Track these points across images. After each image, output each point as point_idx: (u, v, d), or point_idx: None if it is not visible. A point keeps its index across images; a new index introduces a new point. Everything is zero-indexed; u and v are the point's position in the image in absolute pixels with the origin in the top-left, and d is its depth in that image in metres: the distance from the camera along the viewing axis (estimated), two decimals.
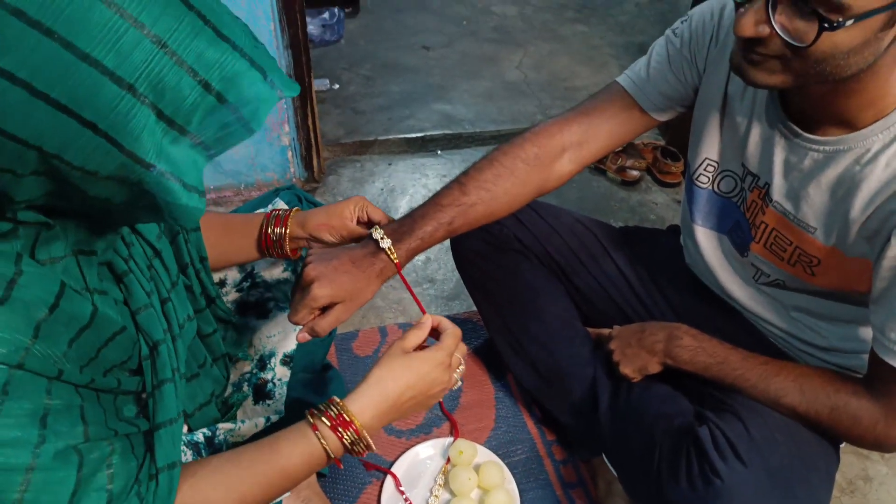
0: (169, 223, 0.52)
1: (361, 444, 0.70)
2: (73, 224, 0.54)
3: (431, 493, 1.15)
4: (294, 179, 1.88)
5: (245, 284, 0.99)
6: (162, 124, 0.45)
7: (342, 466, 0.73)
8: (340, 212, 0.87)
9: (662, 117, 0.97)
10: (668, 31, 0.95)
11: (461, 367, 0.81)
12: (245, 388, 0.94)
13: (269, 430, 0.85)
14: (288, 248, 0.88)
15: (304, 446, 0.68)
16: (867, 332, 0.87)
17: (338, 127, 2.16)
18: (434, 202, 0.89)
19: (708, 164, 0.95)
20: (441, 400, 1.30)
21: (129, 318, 0.64)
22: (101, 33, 0.40)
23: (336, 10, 2.68)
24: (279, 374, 0.95)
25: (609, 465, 1.09)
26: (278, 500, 0.72)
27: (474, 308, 1.32)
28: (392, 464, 1.19)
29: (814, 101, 0.76)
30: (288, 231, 0.87)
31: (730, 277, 0.99)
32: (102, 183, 0.46)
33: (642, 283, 1.14)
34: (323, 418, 0.70)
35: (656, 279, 1.13)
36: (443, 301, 1.59)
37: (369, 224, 0.88)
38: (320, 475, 1.09)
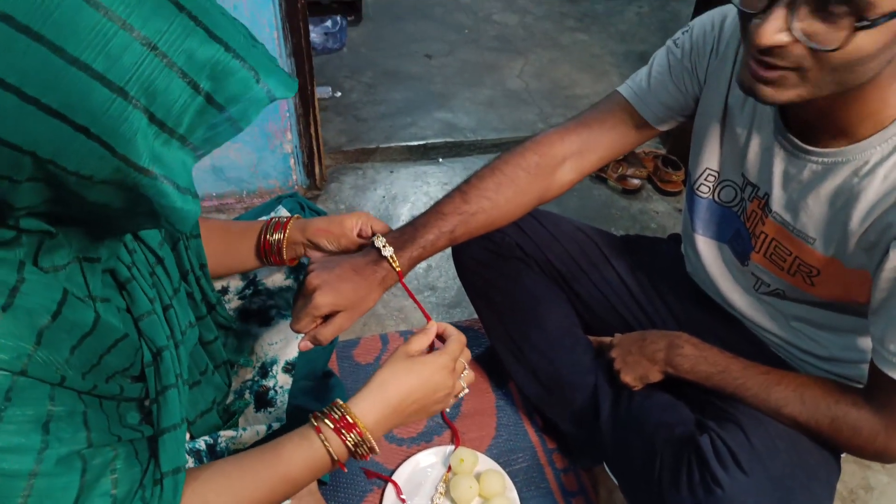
0: (166, 228, 0.52)
1: (365, 447, 0.70)
2: (77, 231, 0.54)
3: (432, 501, 1.15)
4: (296, 187, 1.89)
5: (247, 292, 0.99)
6: (154, 127, 0.45)
7: (346, 470, 0.73)
8: (342, 221, 0.88)
9: (663, 127, 0.98)
10: (668, 42, 0.95)
11: (466, 372, 0.81)
12: (247, 395, 0.94)
13: (271, 437, 0.85)
14: (286, 253, 0.88)
15: (307, 449, 0.68)
16: (867, 343, 0.87)
17: (340, 134, 2.17)
18: (436, 211, 0.90)
19: (708, 174, 0.96)
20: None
21: (131, 325, 0.64)
22: (89, 37, 0.40)
23: (338, 18, 2.69)
24: (281, 381, 0.95)
25: (610, 473, 1.09)
26: None
27: (476, 316, 1.32)
28: (393, 472, 1.19)
29: (814, 113, 0.76)
30: (287, 235, 0.88)
31: (730, 286, 1.00)
32: (99, 188, 0.46)
33: (643, 291, 1.14)
34: (326, 421, 0.70)
35: (657, 287, 1.14)
36: (444, 309, 1.60)
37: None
38: (321, 483, 1.09)
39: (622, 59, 2.84)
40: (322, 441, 0.69)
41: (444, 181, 2.04)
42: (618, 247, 1.19)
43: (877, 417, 0.78)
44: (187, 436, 0.82)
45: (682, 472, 0.85)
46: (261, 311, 0.99)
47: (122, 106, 0.42)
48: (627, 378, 1.02)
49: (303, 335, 0.82)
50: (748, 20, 0.66)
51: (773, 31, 0.62)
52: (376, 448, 0.71)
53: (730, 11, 0.89)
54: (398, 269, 0.83)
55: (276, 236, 0.88)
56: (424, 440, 1.27)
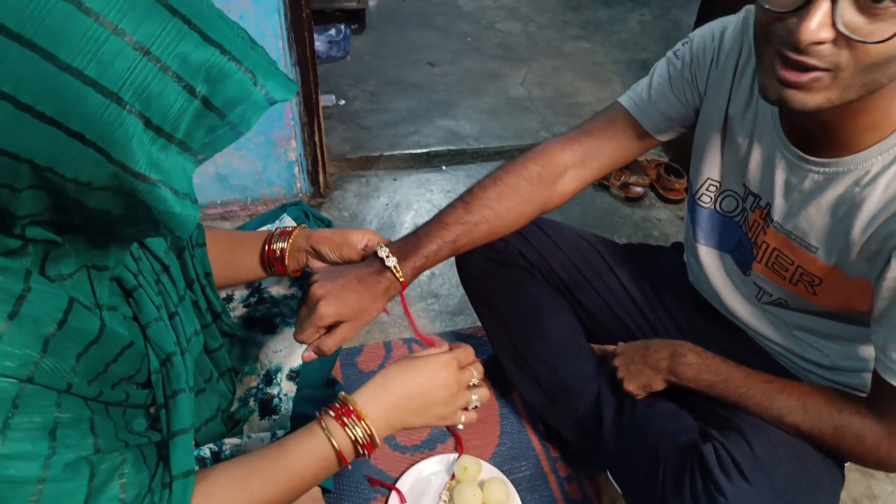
0: (165, 235, 0.52)
1: (366, 437, 0.70)
2: (83, 240, 0.55)
3: None
4: (300, 195, 1.89)
5: (252, 300, 1.00)
6: (150, 133, 0.44)
7: (350, 468, 0.73)
8: (347, 232, 0.88)
9: (664, 137, 0.98)
10: (669, 53, 0.96)
11: (475, 379, 0.81)
12: (251, 403, 0.95)
13: None
14: (289, 261, 0.89)
15: (311, 442, 0.69)
16: (870, 351, 0.87)
17: (343, 142, 2.18)
18: (438, 220, 0.90)
19: (710, 184, 0.96)
20: (455, 422, 1.31)
21: (137, 332, 0.64)
22: (81, 43, 0.40)
23: (342, 26, 2.70)
24: (285, 389, 0.95)
25: (613, 482, 1.09)
26: None
27: (479, 324, 1.33)
28: (397, 480, 1.19)
29: (816, 124, 0.76)
30: (292, 242, 0.88)
31: (732, 295, 1.00)
32: (97, 194, 0.46)
33: (646, 299, 1.14)
34: (329, 411, 0.70)
35: (660, 296, 1.14)
36: (447, 316, 1.60)
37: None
38: (325, 490, 1.09)
39: (625, 68, 2.85)
40: (324, 430, 0.69)
41: (448, 189, 2.04)
42: (620, 255, 1.19)
43: (880, 426, 0.78)
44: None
45: (685, 481, 0.85)
46: (265, 319, 1.00)
47: (116, 111, 0.42)
48: (630, 387, 1.02)
49: (306, 345, 0.82)
50: (779, 21, 0.64)
51: (819, 26, 0.60)
52: (377, 440, 0.71)
53: (730, 23, 0.89)
54: (401, 279, 0.84)
55: (281, 244, 0.88)
56: (428, 448, 1.27)
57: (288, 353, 0.97)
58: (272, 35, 1.53)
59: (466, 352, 0.81)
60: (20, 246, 0.50)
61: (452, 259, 1.17)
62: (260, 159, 1.77)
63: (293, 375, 0.96)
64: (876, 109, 0.72)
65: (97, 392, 0.57)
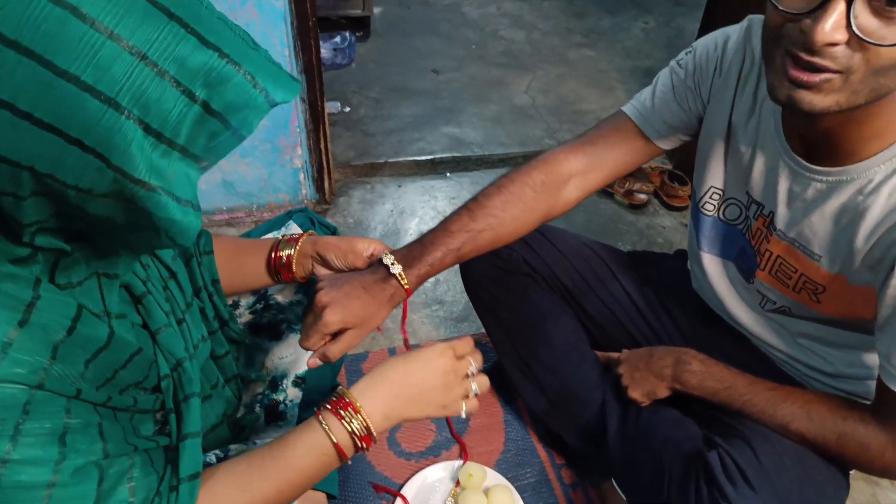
0: (167, 243, 0.51)
1: (362, 427, 0.69)
2: (93, 248, 0.55)
3: None
4: (305, 201, 1.90)
5: (258, 306, 1.00)
6: (150, 139, 0.44)
7: (350, 462, 0.73)
8: (353, 240, 0.89)
9: (667, 145, 0.99)
10: (672, 62, 0.97)
11: (473, 368, 0.80)
12: (257, 409, 0.95)
13: None
14: (296, 267, 0.89)
15: (309, 437, 0.68)
16: (874, 359, 0.87)
17: (348, 149, 2.19)
18: (443, 228, 0.91)
19: (713, 192, 0.97)
20: (456, 412, 1.31)
21: (145, 339, 0.65)
22: (77, 48, 0.40)
23: (347, 33, 2.72)
24: (291, 395, 0.96)
25: (618, 489, 1.09)
26: None
27: (483, 330, 1.33)
28: (401, 486, 1.19)
29: (820, 132, 0.77)
30: (299, 248, 0.88)
31: (736, 303, 1.00)
32: (99, 201, 0.46)
33: (650, 306, 1.15)
34: (326, 405, 0.70)
35: (664, 303, 1.14)
36: (452, 323, 1.60)
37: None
38: (331, 497, 1.10)
39: (628, 75, 2.86)
40: (321, 424, 0.68)
41: (452, 195, 2.05)
42: (624, 262, 1.19)
43: (884, 433, 0.78)
44: None
45: (690, 489, 0.85)
46: (271, 326, 1.00)
47: (113, 117, 0.42)
48: (635, 394, 1.02)
49: (312, 352, 0.83)
50: (792, 22, 0.64)
51: (834, 27, 0.60)
52: (374, 432, 0.70)
53: (732, 32, 0.90)
54: (406, 287, 0.84)
55: (287, 250, 0.89)
56: (433, 454, 1.27)
57: (294, 360, 0.97)
58: (279, 43, 1.54)
59: (464, 342, 0.80)
60: (29, 254, 0.51)
61: (457, 266, 1.17)
62: (266, 166, 1.78)
63: (299, 382, 0.96)
64: (880, 117, 0.72)
65: (105, 398, 0.57)
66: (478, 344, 1.46)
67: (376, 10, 3.12)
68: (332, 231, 1.07)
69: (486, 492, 1.16)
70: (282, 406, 0.95)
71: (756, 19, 0.88)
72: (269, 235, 1.00)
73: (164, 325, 0.66)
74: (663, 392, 1.00)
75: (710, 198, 0.97)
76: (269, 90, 0.48)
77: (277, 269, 0.89)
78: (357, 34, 2.88)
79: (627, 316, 1.15)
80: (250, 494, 0.65)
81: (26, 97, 0.40)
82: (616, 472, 1.08)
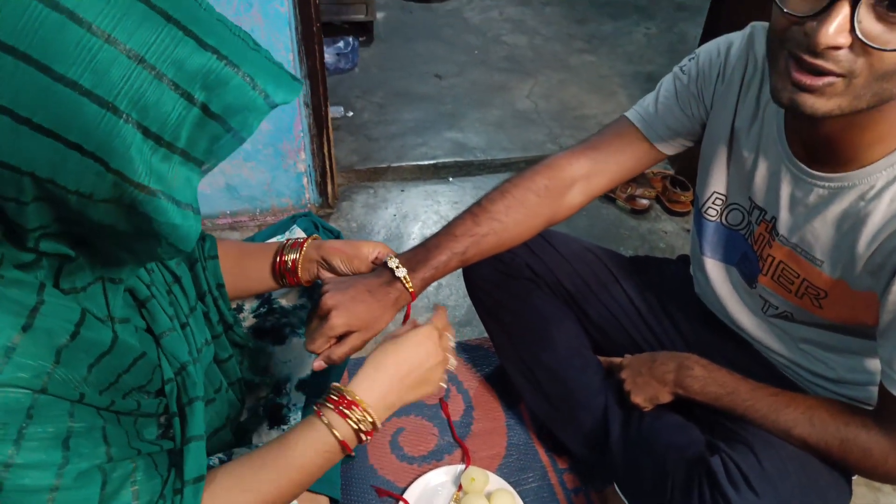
0: (168, 251, 0.50)
1: (367, 422, 0.70)
2: (98, 254, 0.55)
3: None
4: (309, 205, 1.91)
5: (262, 310, 1.01)
6: (150, 142, 0.44)
7: (354, 455, 0.74)
8: (358, 244, 0.89)
9: (670, 151, 0.99)
10: (675, 68, 0.97)
11: (453, 341, 0.83)
12: (260, 412, 0.95)
13: None
14: (301, 272, 0.89)
15: (312, 436, 0.68)
16: (876, 365, 0.87)
17: (351, 154, 2.20)
18: (447, 232, 0.91)
19: (716, 198, 0.97)
20: (450, 417, 1.30)
21: (149, 343, 0.65)
22: (74, 53, 0.40)
23: (350, 38, 2.73)
24: (294, 399, 0.96)
25: (621, 494, 1.09)
26: None
27: (486, 335, 1.33)
28: (404, 490, 1.20)
29: (822, 138, 0.77)
30: (303, 253, 0.88)
31: (738, 308, 1.00)
32: (100, 207, 0.46)
33: (652, 312, 1.15)
34: (325, 403, 0.70)
35: (666, 308, 1.14)
36: (455, 327, 1.58)
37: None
38: (333, 500, 1.10)
39: (630, 80, 2.86)
40: (325, 423, 0.68)
41: (455, 200, 2.06)
42: (627, 267, 1.20)
43: (886, 439, 0.78)
44: None
45: (693, 493, 0.85)
46: (275, 330, 1.00)
47: (112, 121, 0.42)
48: (637, 399, 1.03)
49: (316, 355, 0.83)
50: (797, 25, 0.65)
51: (837, 30, 0.61)
52: (378, 424, 0.71)
53: (735, 39, 0.91)
54: (411, 290, 0.85)
55: (292, 255, 0.89)
56: (435, 459, 1.27)
57: (297, 364, 0.98)
58: (283, 48, 1.55)
59: (440, 316, 0.82)
60: (34, 259, 0.51)
61: (459, 270, 1.18)
62: (269, 170, 1.79)
63: (302, 385, 0.97)
64: (882, 123, 0.72)
65: (109, 402, 0.57)
66: (480, 348, 1.49)
67: (379, 16, 3.13)
68: (336, 235, 1.07)
69: (489, 496, 1.16)
70: (285, 410, 0.95)
71: (759, 26, 0.88)
72: (274, 240, 1.00)
73: (168, 329, 0.66)
74: (666, 397, 1.00)
75: (713, 203, 0.98)
76: (270, 91, 0.48)
77: (282, 274, 0.89)
78: (360, 39, 2.89)
79: (630, 321, 1.15)
80: (252, 494, 0.65)
81: (25, 102, 0.40)
82: (619, 477, 1.08)
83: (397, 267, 0.84)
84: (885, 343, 0.77)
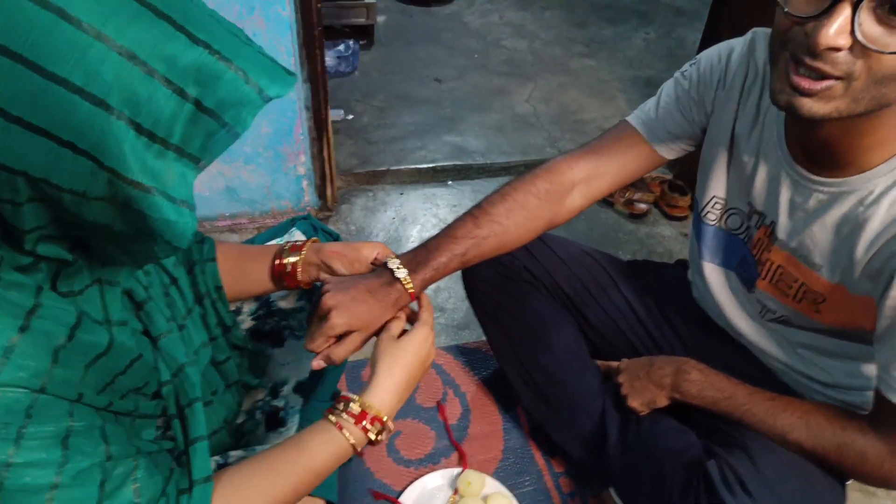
0: (163, 249, 0.50)
1: (385, 433, 0.75)
2: (96, 258, 0.55)
3: None
4: (308, 208, 1.91)
5: (261, 313, 1.01)
6: (143, 139, 0.44)
7: (364, 458, 0.78)
8: (358, 247, 0.89)
9: (670, 155, 1.00)
10: (676, 74, 0.98)
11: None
12: (258, 415, 0.95)
13: None
14: (301, 275, 0.89)
15: (331, 444, 0.71)
16: (872, 369, 0.88)
17: (351, 157, 2.20)
18: (447, 234, 0.91)
19: (716, 202, 0.97)
20: (447, 421, 1.33)
21: (146, 345, 0.65)
22: (65, 51, 0.40)
23: (351, 42, 2.73)
24: (292, 402, 0.96)
25: (617, 498, 1.09)
26: None
27: (484, 338, 1.33)
28: (400, 493, 1.19)
29: (821, 143, 0.77)
30: (303, 257, 0.89)
31: (736, 313, 1.01)
32: (94, 206, 0.45)
33: (651, 316, 1.15)
34: (345, 416, 0.73)
35: (665, 312, 1.15)
36: (453, 330, 1.61)
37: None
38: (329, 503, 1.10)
39: (629, 85, 2.87)
40: (345, 436, 0.72)
41: (454, 203, 2.06)
42: (625, 271, 1.20)
43: (882, 443, 0.79)
44: None
45: (689, 498, 0.85)
46: (274, 332, 1.00)
47: (104, 118, 0.42)
48: (635, 403, 1.03)
49: (316, 354, 0.83)
50: (799, 26, 0.65)
51: (838, 32, 0.61)
52: (393, 429, 0.77)
53: (736, 45, 0.91)
54: (411, 291, 0.85)
55: (292, 258, 0.89)
56: (432, 462, 1.27)
57: (295, 366, 0.98)
58: (284, 52, 1.56)
59: (430, 312, 0.86)
60: (32, 262, 0.51)
61: (458, 273, 1.18)
62: (269, 173, 1.79)
63: (299, 388, 0.97)
64: (881, 128, 0.73)
65: (107, 402, 0.57)
66: (478, 351, 1.49)
67: (380, 19, 3.13)
68: (335, 238, 1.07)
69: (485, 499, 1.16)
70: (282, 413, 0.95)
71: (760, 32, 0.89)
72: (273, 242, 1.00)
73: (165, 331, 0.67)
74: (663, 401, 1.01)
75: (713, 207, 0.98)
76: (263, 85, 0.47)
77: (281, 277, 0.89)
78: (360, 42, 2.89)
79: (628, 325, 1.16)
80: (264, 497, 0.66)
81: (17, 101, 0.40)
82: (616, 481, 1.09)
83: (398, 268, 0.85)
84: (881, 348, 0.77)
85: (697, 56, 0.96)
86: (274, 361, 0.98)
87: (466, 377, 1.45)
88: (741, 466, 0.84)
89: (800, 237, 0.85)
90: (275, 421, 0.94)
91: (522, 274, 1.17)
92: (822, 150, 0.79)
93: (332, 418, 0.72)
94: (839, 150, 0.77)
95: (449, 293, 1.70)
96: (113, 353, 0.57)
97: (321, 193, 1.93)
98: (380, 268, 0.87)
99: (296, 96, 1.67)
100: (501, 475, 1.25)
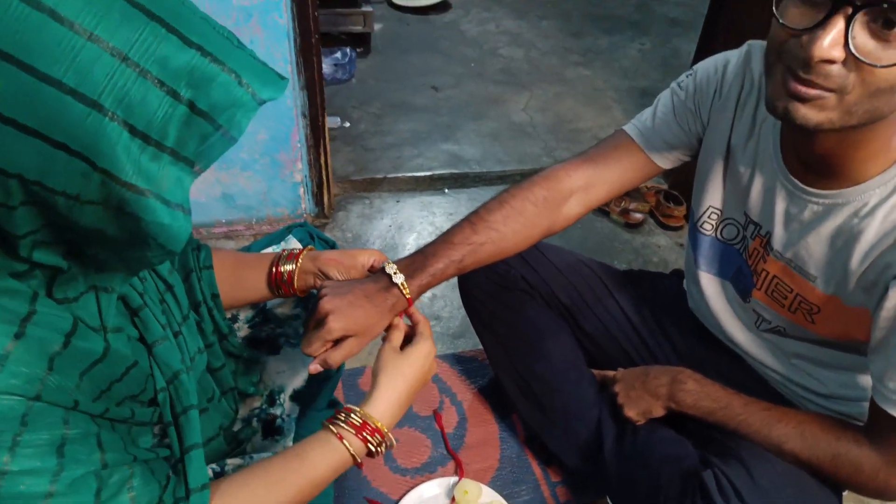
0: (158, 253, 0.49)
1: (384, 445, 0.75)
2: (91, 265, 0.55)
3: None
4: (305, 215, 1.91)
5: (257, 320, 1.01)
6: (137, 140, 0.44)
7: (363, 467, 0.78)
8: (354, 254, 0.89)
9: (667, 165, 1.00)
10: (673, 84, 0.98)
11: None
12: (254, 423, 0.95)
13: None
14: (297, 283, 0.89)
15: (331, 455, 0.72)
16: (867, 380, 0.88)
17: (348, 164, 2.20)
18: (445, 240, 0.91)
19: (712, 212, 0.98)
20: (444, 429, 1.33)
21: (141, 352, 0.65)
22: (56, 52, 0.40)
23: (348, 49, 2.74)
24: (288, 409, 0.96)
25: None
26: None
27: (480, 346, 1.33)
28: (397, 502, 1.19)
29: (817, 155, 0.78)
30: (299, 265, 0.89)
31: (732, 322, 1.01)
32: (88, 209, 0.45)
33: (646, 325, 1.15)
34: (345, 426, 0.73)
35: (660, 322, 1.15)
36: (449, 339, 1.60)
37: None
38: None
39: (625, 95, 2.89)
40: (346, 446, 0.72)
41: (450, 211, 2.06)
42: (621, 281, 1.20)
43: (878, 454, 0.79)
44: None
45: None
46: (270, 340, 1.00)
47: (97, 119, 0.42)
48: (630, 413, 1.03)
49: (312, 358, 0.83)
50: (794, 38, 0.66)
51: (831, 44, 0.62)
52: (394, 443, 0.77)
53: (732, 57, 0.92)
54: (408, 296, 0.85)
55: (288, 266, 0.89)
56: (428, 471, 1.27)
57: (291, 374, 0.97)
58: (281, 60, 1.56)
59: (428, 325, 0.87)
60: (27, 269, 0.51)
61: (454, 282, 1.18)
62: (266, 180, 1.79)
63: (296, 396, 0.97)
64: (875, 141, 0.73)
65: (103, 409, 0.57)
66: (474, 360, 1.49)
67: (377, 27, 3.15)
68: (331, 245, 1.07)
69: None
70: (279, 421, 0.95)
71: (756, 45, 0.90)
72: (269, 250, 1.01)
73: (160, 337, 0.66)
74: (659, 411, 1.01)
75: (709, 217, 0.99)
76: (256, 88, 0.47)
77: (278, 285, 0.90)
78: (358, 50, 2.90)
79: (624, 334, 1.16)
80: None
81: (10, 103, 0.40)
82: (612, 490, 1.09)
83: (395, 273, 0.85)
84: (876, 359, 0.77)
85: (693, 67, 0.97)
86: (270, 369, 0.98)
87: (463, 386, 1.45)
88: (737, 476, 0.84)
89: (795, 248, 0.85)
90: (271, 429, 0.94)
91: (518, 283, 1.17)
92: (817, 161, 0.79)
93: (333, 429, 0.73)
94: (834, 161, 0.77)
95: (445, 302, 1.70)
96: (108, 360, 0.57)
97: (318, 200, 1.93)
98: (377, 273, 0.87)
99: (293, 103, 1.67)
100: (498, 484, 1.25)
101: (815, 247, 0.83)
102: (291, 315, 1.01)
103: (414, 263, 0.88)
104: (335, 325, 0.80)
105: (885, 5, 0.59)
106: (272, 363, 0.98)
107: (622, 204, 2.06)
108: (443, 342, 1.59)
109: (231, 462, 0.85)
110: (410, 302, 0.86)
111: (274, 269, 0.89)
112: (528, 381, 1.18)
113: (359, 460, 0.73)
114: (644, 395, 1.02)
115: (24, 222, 0.47)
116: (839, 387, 0.92)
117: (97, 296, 0.58)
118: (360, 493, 1.21)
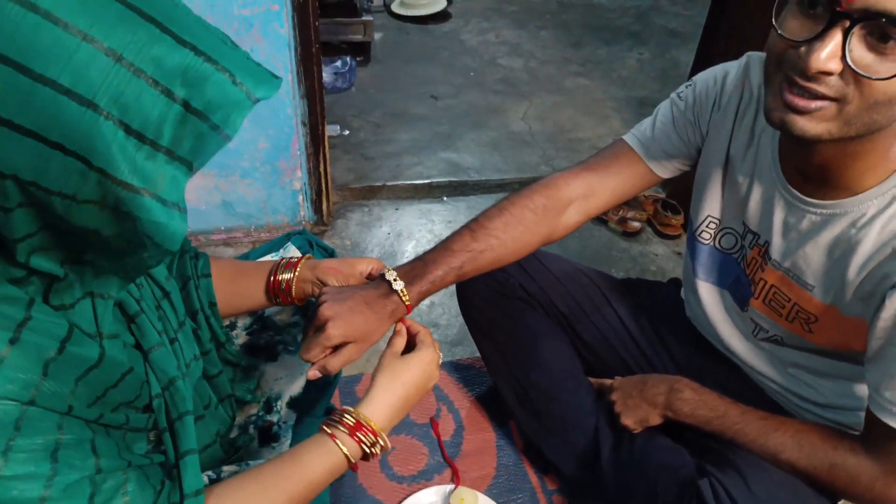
0: (154, 253, 0.50)
1: (378, 447, 0.74)
2: (88, 271, 0.55)
3: None
4: (304, 223, 1.91)
5: (255, 327, 1.01)
6: (132, 140, 0.44)
7: (358, 470, 0.77)
8: (353, 262, 0.90)
9: (666, 174, 1.01)
10: (672, 95, 0.99)
11: (441, 356, 0.88)
12: (251, 430, 0.95)
13: None
14: (295, 291, 0.89)
15: (325, 456, 0.71)
16: (864, 390, 0.88)
17: (347, 172, 2.21)
18: (445, 247, 0.92)
19: (710, 221, 0.98)
20: (440, 437, 1.33)
21: (137, 359, 0.65)
22: (51, 53, 0.40)
23: (348, 58, 2.76)
24: (285, 416, 0.95)
25: None
26: None
27: (477, 354, 1.33)
28: None
29: (815, 166, 0.78)
30: (297, 274, 0.89)
31: (730, 332, 1.01)
32: (84, 209, 0.46)
33: (644, 334, 1.15)
34: (340, 427, 0.72)
35: (658, 331, 1.15)
36: (447, 346, 1.60)
37: None
38: None
39: (623, 104, 2.90)
40: (339, 446, 0.71)
41: (449, 219, 2.07)
42: (619, 289, 1.20)
43: (874, 464, 0.79)
44: None
45: None
46: (268, 347, 1.00)
47: (93, 119, 0.42)
48: (628, 421, 1.03)
49: (311, 364, 0.83)
50: (793, 49, 0.66)
51: (829, 56, 0.63)
52: (389, 446, 0.75)
53: (731, 68, 0.93)
54: (408, 303, 0.85)
55: (286, 275, 0.89)
56: (425, 478, 1.26)
57: (289, 381, 0.97)
58: (282, 68, 1.57)
59: (429, 333, 0.86)
60: (24, 275, 0.51)
61: (452, 289, 1.18)
62: (265, 188, 1.80)
63: (293, 403, 0.96)
64: (874, 152, 0.74)
65: (98, 415, 0.57)
66: (472, 368, 1.49)
67: (377, 36, 3.16)
68: (330, 253, 1.07)
69: None
70: (275, 428, 0.94)
71: (754, 56, 0.90)
72: (268, 257, 1.01)
73: (156, 343, 0.66)
74: (656, 420, 1.01)
75: (707, 227, 0.99)
76: (250, 87, 0.48)
77: (276, 293, 0.90)
78: (358, 59, 2.92)
79: (621, 343, 1.16)
80: None
81: (5, 104, 0.40)
82: (609, 499, 1.08)
83: (395, 280, 0.85)
84: (872, 369, 0.77)
85: (693, 78, 0.97)
86: (267, 376, 0.98)
87: (460, 393, 1.45)
88: (733, 485, 0.84)
89: (793, 258, 0.86)
90: (268, 436, 0.94)
91: (517, 291, 1.18)
92: (815, 172, 0.80)
93: (328, 430, 0.72)
94: (832, 172, 0.78)
95: (443, 309, 1.70)
96: (104, 367, 0.57)
97: (317, 208, 1.93)
98: (377, 279, 0.87)
99: (293, 112, 1.68)
100: (494, 492, 1.25)
101: (813, 256, 0.83)
102: (290, 322, 1.01)
103: (413, 270, 0.88)
104: (335, 332, 0.80)
105: (883, 20, 0.60)
106: (270, 370, 0.98)
107: (620, 212, 2.06)
108: (441, 349, 1.59)
109: (227, 469, 0.84)
110: (410, 309, 0.86)
111: (272, 278, 0.89)
112: (526, 389, 1.18)
113: (353, 461, 0.72)
114: (641, 404, 1.02)
115: (21, 225, 0.47)
116: (836, 396, 0.92)
117: (93, 302, 0.58)
118: (356, 501, 1.21)
